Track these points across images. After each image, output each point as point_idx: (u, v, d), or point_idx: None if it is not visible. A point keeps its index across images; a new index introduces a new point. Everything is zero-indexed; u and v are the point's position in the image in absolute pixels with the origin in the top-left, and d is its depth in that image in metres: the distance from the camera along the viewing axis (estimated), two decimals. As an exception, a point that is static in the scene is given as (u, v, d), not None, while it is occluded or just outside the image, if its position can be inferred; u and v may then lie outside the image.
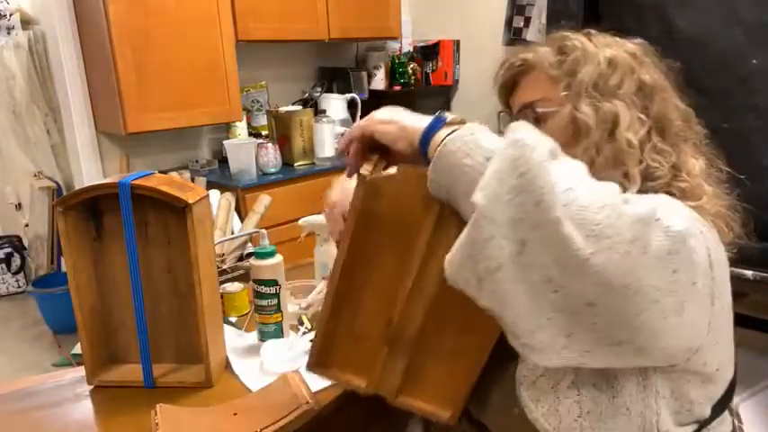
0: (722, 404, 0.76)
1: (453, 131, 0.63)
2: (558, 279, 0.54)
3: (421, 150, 0.67)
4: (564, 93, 0.78)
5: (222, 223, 1.60)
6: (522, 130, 0.58)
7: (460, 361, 0.78)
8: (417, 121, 0.69)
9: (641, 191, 0.74)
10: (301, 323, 1.21)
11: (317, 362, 0.84)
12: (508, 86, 0.89)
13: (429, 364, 0.80)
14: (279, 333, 1.14)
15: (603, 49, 0.80)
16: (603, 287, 0.54)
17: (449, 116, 0.67)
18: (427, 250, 0.71)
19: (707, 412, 0.73)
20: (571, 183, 0.55)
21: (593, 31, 0.84)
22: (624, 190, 0.69)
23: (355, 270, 0.78)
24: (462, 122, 0.66)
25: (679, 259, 0.57)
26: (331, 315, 0.81)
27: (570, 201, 0.54)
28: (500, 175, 0.55)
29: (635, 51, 0.82)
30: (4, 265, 3.39)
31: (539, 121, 0.80)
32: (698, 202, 0.74)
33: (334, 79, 3.35)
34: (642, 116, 0.77)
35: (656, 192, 0.75)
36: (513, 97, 0.89)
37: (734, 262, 0.73)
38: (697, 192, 0.76)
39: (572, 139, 0.77)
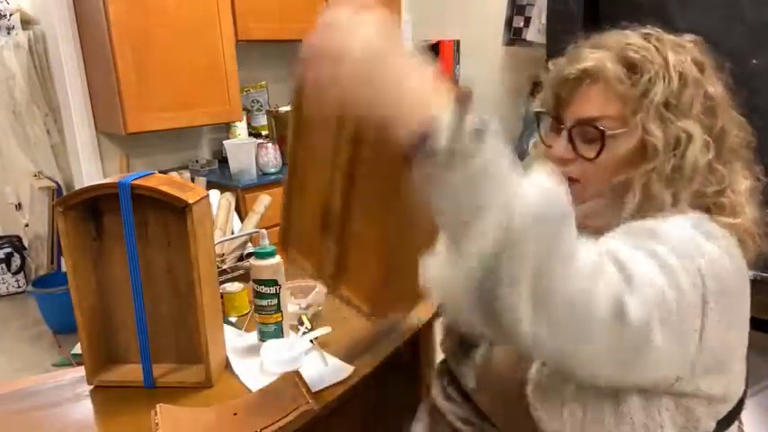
0: (729, 419, 0.76)
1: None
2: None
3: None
4: (637, 116, 0.73)
5: (222, 223, 1.60)
6: (549, 190, 0.52)
7: (373, 254, 0.77)
8: (406, 96, 0.51)
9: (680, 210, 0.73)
10: (301, 323, 1.21)
11: (281, 240, 0.89)
12: (559, 96, 0.82)
13: (353, 253, 0.80)
14: (279, 333, 1.14)
15: (671, 57, 0.74)
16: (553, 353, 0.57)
17: (435, 145, 0.50)
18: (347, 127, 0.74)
19: (711, 426, 0.73)
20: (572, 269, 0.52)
21: (651, 31, 0.78)
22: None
23: (301, 151, 0.83)
24: (455, 144, 0.50)
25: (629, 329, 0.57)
26: (287, 196, 0.87)
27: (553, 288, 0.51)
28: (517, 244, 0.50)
29: (699, 58, 0.76)
30: (4, 265, 3.39)
31: (601, 138, 0.75)
32: (734, 219, 0.73)
33: (334, 79, 3.35)
34: (708, 138, 0.73)
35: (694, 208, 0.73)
36: (566, 109, 0.80)
37: None
38: (737, 209, 0.74)
39: (637, 161, 0.74)
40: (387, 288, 0.77)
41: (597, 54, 0.77)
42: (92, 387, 1.03)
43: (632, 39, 0.77)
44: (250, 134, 3.02)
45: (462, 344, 0.92)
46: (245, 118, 2.97)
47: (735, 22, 1.87)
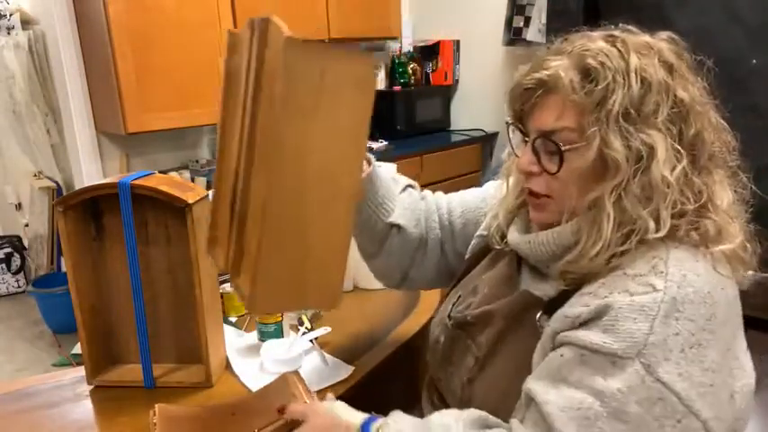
0: None
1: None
2: None
3: None
4: (593, 129, 0.68)
5: (222, 223, 1.60)
6: None
7: (253, 237, 0.72)
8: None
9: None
10: (301, 323, 1.21)
11: (208, 240, 0.84)
12: (519, 107, 0.78)
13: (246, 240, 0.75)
14: (279, 333, 1.15)
15: (633, 61, 0.68)
16: None
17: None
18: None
19: None
20: None
21: (617, 33, 0.73)
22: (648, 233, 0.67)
23: (225, 143, 0.79)
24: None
25: None
26: (214, 185, 0.82)
27: None
28: None
29: (668, 59, 0.71)
30: (4, 265, 3.39)
31: (559, 152, 0.71)
32: (717, 246, 0.69)
33: (335, 79, 3.35)
34: (678, 147, 0.68)
35: (678, 233, 0.68)
36: (528, 120, 0.76)
37: None
38: (721, 234, 0.69)
39: (600, 176, 0.69)
40: (263, 275, 0.70)
41: (555, 62, 0.72)
42: (92, 387, 1.03)
43: (594, 43, 0.71)
44: (250, 134, 3.02)
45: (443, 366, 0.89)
46: (244, 118, 2.97)
47: (734, 21, 1.88)
